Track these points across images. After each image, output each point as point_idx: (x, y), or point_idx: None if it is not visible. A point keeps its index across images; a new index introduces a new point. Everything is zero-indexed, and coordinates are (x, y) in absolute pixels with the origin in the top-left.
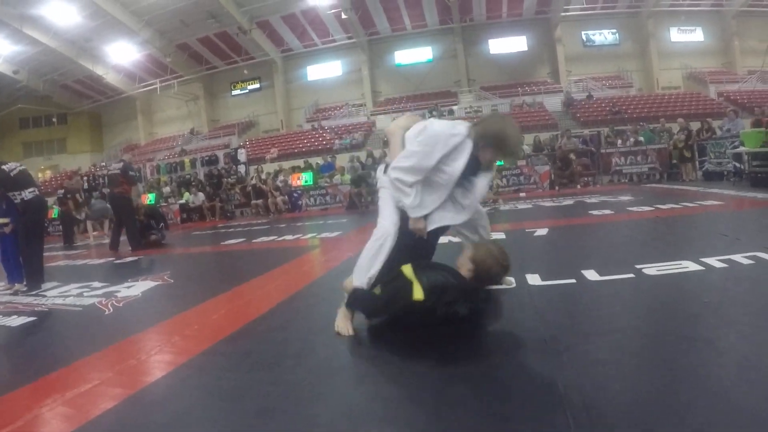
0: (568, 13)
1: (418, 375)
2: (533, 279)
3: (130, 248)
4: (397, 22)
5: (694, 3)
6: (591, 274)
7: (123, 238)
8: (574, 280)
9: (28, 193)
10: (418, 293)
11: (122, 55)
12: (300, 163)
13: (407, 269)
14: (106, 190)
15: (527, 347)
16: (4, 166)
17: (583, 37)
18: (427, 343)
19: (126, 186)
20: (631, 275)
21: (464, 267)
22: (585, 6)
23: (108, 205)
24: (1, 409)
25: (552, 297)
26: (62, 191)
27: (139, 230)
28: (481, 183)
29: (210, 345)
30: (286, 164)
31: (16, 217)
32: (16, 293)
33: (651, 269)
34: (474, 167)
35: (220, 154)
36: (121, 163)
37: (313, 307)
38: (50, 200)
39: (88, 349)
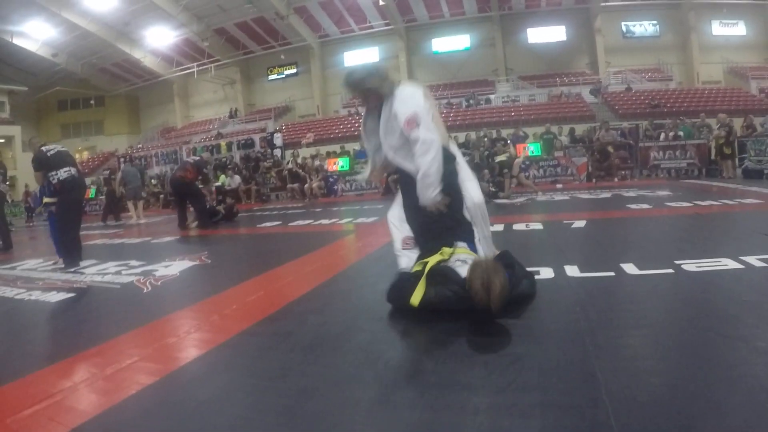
0: (608, 4)
1: (456, 360)
2: (572, 270)
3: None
4: (434, 9)
5: None
6: (630, 268)
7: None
8: (613, 273)
9: (63, 173)
10: (415, 299)
11: (160, 39)
12: (335, 148)
13: (428, 267)
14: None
15: (566, 338)
16: (42, 148)
17: (623, 28)
18: (466, 331)
19: (190, 174)
20: (671, 270)
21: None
22: None
23: (138, 177)
24: (40, 382)
25: (591, 289)
26: (108, 171)
27: (209, 210)
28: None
29: (249, 325)
30: (322, 149)
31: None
32: (55, 270)
33: (690, 265)
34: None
35: (256, 138)
36: (199, 158)
37: (350, 292)
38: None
39: (127, 326)
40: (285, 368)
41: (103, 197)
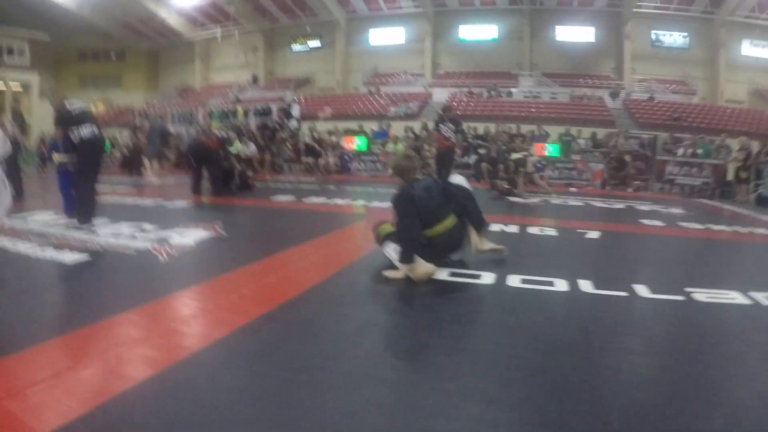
0: (640, 10)
1: (470, 368)
2: (586, 285)
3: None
4: None
5: None
6: (642, 290)
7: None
8: (626, 294)
9: (86, 131)
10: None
11: None
12: (352, 125)
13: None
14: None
15: (579, 356)
16: (66, 103)
17: (653, 37)
18: (479, 339)
19: (213, 143)
20: (681, 298)
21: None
22: (659, 5)
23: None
24: (61, 348)
25: (604, 308)
26: (136, 125)
27: (223, 178)
28: None
29: (268, 309)
30: (340, 125)
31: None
32: (68, 227)
33: (700, 295)
34: None
35: (274, 106)
36: (226, 136)
37: (367, 282)
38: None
39: (147, 297)
40: (304, 360)
41: (126, 151)
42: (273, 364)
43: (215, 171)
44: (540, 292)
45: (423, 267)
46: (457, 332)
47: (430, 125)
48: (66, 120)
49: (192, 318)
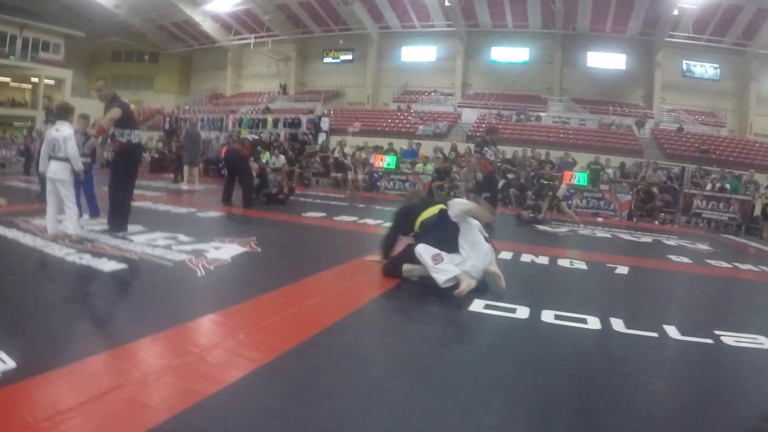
0: (672, 39)
1: (511, 408)
2: (617, 324)
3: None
4: (499, 17)
5: None
6: (672, 331)
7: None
8: (656, 335)
9: (136, 136)
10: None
11: (222, 4)
12: (381, 141)
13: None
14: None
15: (614, 397)
16: (123, 101)
17: (684, 67)
18: (519, 376)
19: (247, 150)
20: (710, 341)
21: None
22: (691, 35)
23: (197, 143)
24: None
25: (636, 348)
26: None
27: (256, 188)
28: None
29: (312, 334)
30: (369, 141)
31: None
32: (104, 232)
33: (729, 338)
34: None
35: (304, 118)
36: (258, 137)
37: (404, 311)
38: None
39: (188, 315)
40: (349, 389)
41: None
42: (316, 393)
43: (248, 181)
44: (573, 330)
45: (465, 282)
46: (496, 368)
47: (460, 147)
48: (129, 120)
49: (234, 340)
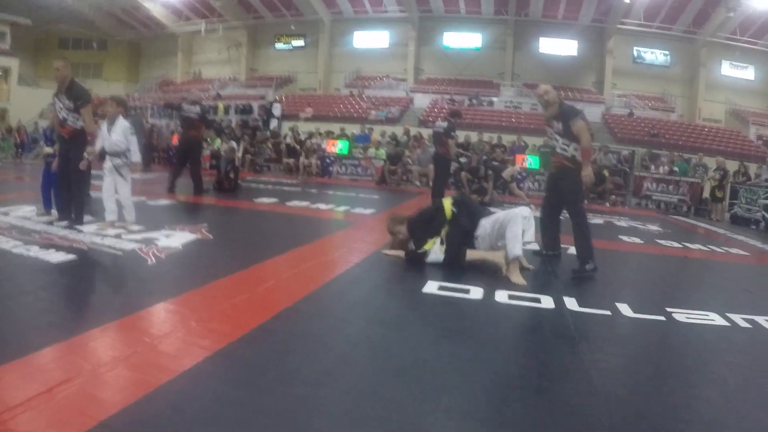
0: (623, 26)
1: (487, 394)
2: (571, 303)
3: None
4: (451, 3)
5: (752, 41)
6: (625, 309)
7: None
8: (609, 312)
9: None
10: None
11: None
12: (333, 127)
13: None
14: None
15: (572, 376)
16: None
17: (634, 53)
18: (494, 360)
19: (200, 131)
20: (662, 318)
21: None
22: (642, 22)
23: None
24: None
25: (589, 326)
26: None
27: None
28: None
29: (263, 320)
30: (321, 126)
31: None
32: (51, 223)
33: (680, 315)
34: None
35: (255, 105)
36: (198, 106)
37: (358, 294)
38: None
39: (138, 304)
40: (302, 374)
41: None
42: (270, 379)
43: (197, 169)
44: (527, 309)
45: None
46: (452, 350)
47: (413, 131)
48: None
49: (186, 328)
